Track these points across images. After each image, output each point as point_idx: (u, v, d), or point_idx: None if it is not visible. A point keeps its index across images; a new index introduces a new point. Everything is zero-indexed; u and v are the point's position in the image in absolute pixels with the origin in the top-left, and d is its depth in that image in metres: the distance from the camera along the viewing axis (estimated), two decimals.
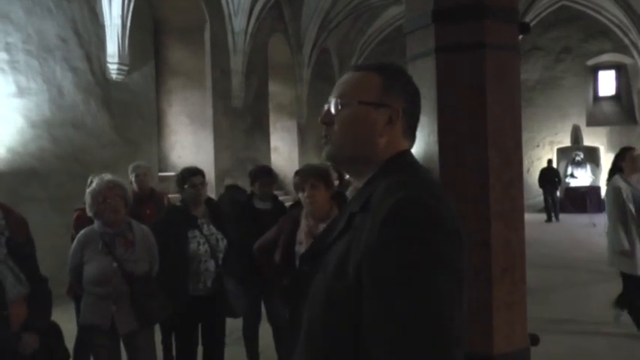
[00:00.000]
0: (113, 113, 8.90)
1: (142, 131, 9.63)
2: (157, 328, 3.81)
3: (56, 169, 7.67)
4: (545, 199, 15.97)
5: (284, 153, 16.23)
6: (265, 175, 4.58)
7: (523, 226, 2.11)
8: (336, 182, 4.51)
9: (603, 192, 16.50)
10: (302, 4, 15.33)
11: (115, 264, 3.21)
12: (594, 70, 18.96)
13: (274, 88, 15.65)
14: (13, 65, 7.15)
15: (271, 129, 15.16)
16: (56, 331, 3.00)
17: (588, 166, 17.96)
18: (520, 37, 2.26)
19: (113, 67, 8.78)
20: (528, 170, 17.93)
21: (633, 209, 4.91)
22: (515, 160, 2.10)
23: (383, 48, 19.21)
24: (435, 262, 1.01)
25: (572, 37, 18.47)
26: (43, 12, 7.63)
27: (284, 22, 15.23)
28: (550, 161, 17.04)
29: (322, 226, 2.83)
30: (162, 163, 11.19)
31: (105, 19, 8.63)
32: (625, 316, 5.34)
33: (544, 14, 16.95)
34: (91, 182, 3.76)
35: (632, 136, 17.77)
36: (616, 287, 5.44)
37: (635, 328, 5.11)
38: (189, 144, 11.65)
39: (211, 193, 8.98)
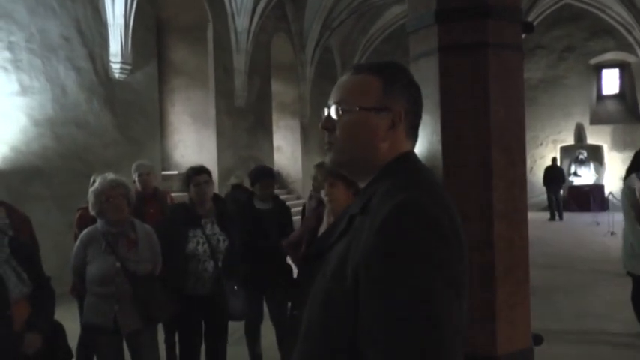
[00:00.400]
0: (116, 112, 8.92)
1: (144, 130, 9.64)
2: (160, 327, 3.82)
3: (59, 168, 7.69)
4: (549, 198, 15.93)
5: (287, 152, 16.24)
6: (266, 176, 4.53)
7: (526, 225, 2.11)
8: None
9: (607, 191, 16.50)
10: (305, 3, 15.33)
11: (117, 263, 3.21)
12: (598, 69, 18.90)
13: (277, 87, 15.65)
14: (17, 64, 7.17)
15: (274, 128, 15.18)
16: (59, 331, 3.01)
17: (592, 165, 17.91)
18: (523, 36, 2.25)
19: (116, 66, 8.80)
20: (531, 169, 17.91)
21: None
22: (519, 160, 2.10)
23: (386, 47, 19.18)
24: (430, 266, 1.00)
25: (575, 35, 18.42)
26: (47, 11, 7.64)
27: (287, 21, 15.23)
28: (554, 160, 16.99)
29: None
30: (165, 162, 11.20)
31: (108, 18, 8.64)
32: (627, 312, 5.28)
33: (547, 13, 16.91)
34: (94, 182, 3.76)
35: (636, 134, 17.73)
36: (619, 286, 5.41)
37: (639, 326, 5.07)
38: (191, 143, 11.67)
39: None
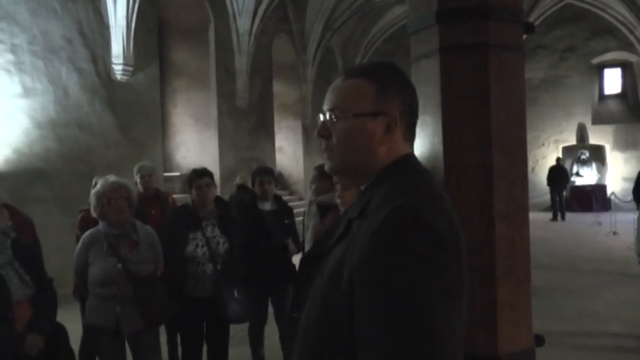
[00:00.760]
0: (118, 114, 8.93)
1: (146, 132, 9.66)
2: (162, 328, 3.82)
3: (61, 170, 7.70)
4: (552, 198, 15.91)
5: (288, 153, 16.24)
6: (263, 172, 4.54)
7: (528, 226, 2.10)
8: None
9: (609, 191, 16.45)
10: (306, 4, 15.34)
11: (119, 265, 3.21)
12: (599, 69, 18.87)
13: (279, 88, 15.66)
14: (19, 66, 7.19)
15: (276, 129, 15.18)
16: (61, 332, 3.01)
17: (594, 165, 17.89)
18: (525, 36, 2.25)
19: (118, 67, 8.81)
20: (533, 169, 17.89)
21: None
22: (520, 160, 2.10)
23: (387, 47, 19.17)
24: (427, 269, 1.00)
25: (576, 35, 18.40)
26: (49, 13, 7.66)
27: (288, 22, 15.24)
28: (559, 159, 16.90)
29: None
30: (167, 163, 11.22)
31: (110, 19, 8.66)
32: (629, 313, 5.28)
33: (549, 13, 16.89)
34: (96, 184, 3.78)
35: (638, 134, 17.72)
36: (621, 286, 5.41)
37: None
38: (193, 144, 11.67)
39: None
